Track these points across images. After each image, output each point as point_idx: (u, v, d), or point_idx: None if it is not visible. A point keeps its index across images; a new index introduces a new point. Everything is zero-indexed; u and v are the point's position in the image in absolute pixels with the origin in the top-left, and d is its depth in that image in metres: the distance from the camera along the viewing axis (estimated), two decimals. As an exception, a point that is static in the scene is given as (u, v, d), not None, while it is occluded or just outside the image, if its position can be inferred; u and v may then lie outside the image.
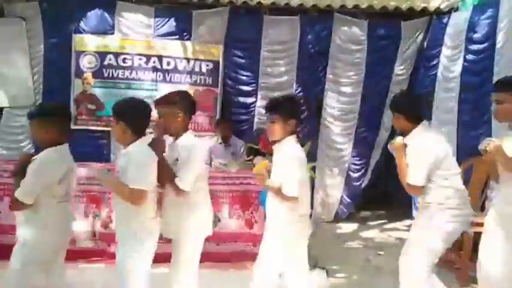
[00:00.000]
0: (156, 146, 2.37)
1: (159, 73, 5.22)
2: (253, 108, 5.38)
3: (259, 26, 5.22)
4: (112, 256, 3.65)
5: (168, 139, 2.54)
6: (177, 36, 5.21)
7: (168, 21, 5.17)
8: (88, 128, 5.14)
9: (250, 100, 5.38)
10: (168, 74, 5.23)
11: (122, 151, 2.39)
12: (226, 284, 3.37)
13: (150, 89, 5.16)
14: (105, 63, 5.10)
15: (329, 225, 5.25)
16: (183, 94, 2.61)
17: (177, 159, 2.42)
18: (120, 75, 5.14)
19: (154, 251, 2.39)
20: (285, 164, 2.51)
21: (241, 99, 5.39)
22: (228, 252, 3.76)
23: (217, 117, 5.29)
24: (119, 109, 2.32)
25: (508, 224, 2.32)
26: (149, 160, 2.26)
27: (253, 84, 5.34)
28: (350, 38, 5.29)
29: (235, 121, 5.30)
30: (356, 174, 5.45)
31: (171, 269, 2.52)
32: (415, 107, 2.65)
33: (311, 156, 4.32)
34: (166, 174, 2.38)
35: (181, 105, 2.46)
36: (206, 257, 3.61)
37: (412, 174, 2.49)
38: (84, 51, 5.07)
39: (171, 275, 2.50)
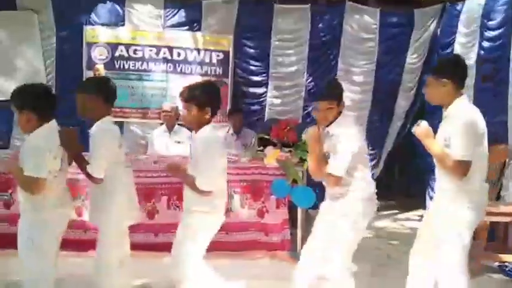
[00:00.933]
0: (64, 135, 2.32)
1: (169, 64, 5.22)
2: (264, 99, 5.36)
3: (270, 15, 5.19)
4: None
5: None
6: (187, 27, 5.21)
7: (178, 12, 5.17)
8: (100, 119, 5.18)
9: (261, 90, 5.37)
10: (178, 65, 5.24)
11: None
12: (237, 273, 3.38)
13: (160, 80, 5.18)
14: (116, 54, 5.13)
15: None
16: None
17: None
18: (131, 67, 5.16)
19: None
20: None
21: (252, 89, 5.38)
22: (239, 241, 3.77)
23: (228, 108, 5.28)
24: (21, 97, 2.23)
25: None
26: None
27: (264, 74, 5.32)
28: (362, 27, 5.23)
29: (246, 112, 5.28)
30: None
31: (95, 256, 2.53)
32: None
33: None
34: (78, 162, 2.40)
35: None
36: (217, 246, 3.68)
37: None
38: (95, 43, 5.09)
39: (95, 261, 2.52)
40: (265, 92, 5.35)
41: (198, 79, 5.22)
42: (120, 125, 5.18)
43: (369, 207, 2.48)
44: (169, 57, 5.19)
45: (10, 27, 4.97)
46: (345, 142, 2.36)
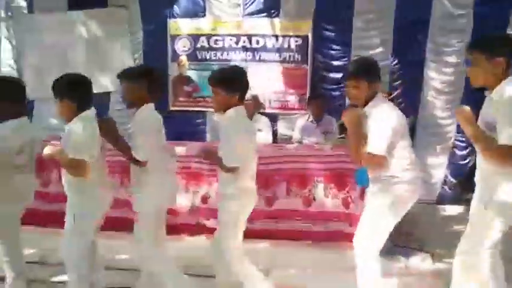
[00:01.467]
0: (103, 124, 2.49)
1: (248, 52, 5.23)
2: (345, 84, 5.15)
3: (351, -5, 4.96)
4: (211, 230, 3.84)
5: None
6: (265, 14, 5.16)
7: (255, -1, 5.15)
8: (185, 109, 5.38)
9: (342, 75, 5.16)
10: (257, 53, 5.23)
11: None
12: (320, 263, 3.32)
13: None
14: (198, 45, 5.25)
15: (431, 207, 4.89)
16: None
17: None
18: (212, 57, 5.26)
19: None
20: None
21: (333, 74, 5.19)
22: (323, 231, 3.69)
23: (308, 94, 5.17)
24: (60, 87, 2.39)
25: None
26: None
27: (345, 59, 5.10)
28: (454, 2, 4.78)
29: (327, 98, 5.13)
30: (462, 152, 4.98)
31: None
32: None
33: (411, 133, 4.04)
34: (121, 149, 2.54)
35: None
36: (301, 235, 3.67)
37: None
38: (178, 35, 5.26)
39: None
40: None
41: (277, 66, 5.21)
42: (203, 114, 5.38)
43: (410, 191, 2.36)
44: (249, 46, 5.20)
45: (102, 24, 5.32)
46: (380, 120, 2.29)
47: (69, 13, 5.41)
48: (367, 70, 2.42)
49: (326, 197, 3.69)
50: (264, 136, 4.75)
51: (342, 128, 4.64)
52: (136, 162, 2.50)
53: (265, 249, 3.53)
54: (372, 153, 2.27)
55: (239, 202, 2.50)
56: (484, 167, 2.15)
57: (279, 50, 5.19)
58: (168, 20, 5.26)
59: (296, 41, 5.16)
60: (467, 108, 2.14)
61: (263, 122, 4.87)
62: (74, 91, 2.39)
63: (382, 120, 2.29)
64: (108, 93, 5.42)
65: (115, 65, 5.32)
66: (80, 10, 5.36)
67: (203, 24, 5.23)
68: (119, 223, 3.37)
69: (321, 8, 5.05)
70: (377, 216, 2.39)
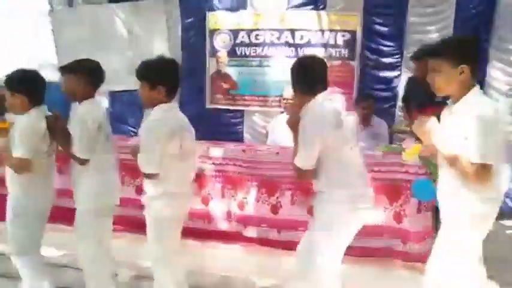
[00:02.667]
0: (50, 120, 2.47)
1: (291, 48, 4.91)
2: (397, 84, 4.74)
3: (406, -13, 4.53)
4: (247, 239, 3.59)
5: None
6: (311, 7, 4.83)
7: (302, -10, 4.81)
8: (222, 107, 5.14)
9: (393, 74, 4.75)
10: (300, 49, 4.89)
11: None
12: (369, 281, 2.99)
13: (282, 65, 4.90)
14: (238, 41, 5.00)
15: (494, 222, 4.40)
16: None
17: None
18: (252, 53, 4.99)
19: None
20: None
21: (383, 73, 4.78)
22: (371, 247, 3.33)
23: (354, 94, 4.79)
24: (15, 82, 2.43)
25: None
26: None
27: (397, 56, 4.69)
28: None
29: (376, 98, 4.73)
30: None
31: None
32: None
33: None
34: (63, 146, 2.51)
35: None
36: (347, 251, 3.33)
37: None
38: (217, 30, 5.03)
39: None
40: (399, 75, 4.71)
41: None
42: (241, 113, 5.12)
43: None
44: (292, 41, 4.89)
45: (140, 17, 5.19)
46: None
47: (109, 6, 5.31)
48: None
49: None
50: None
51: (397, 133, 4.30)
52: (76, 158, 2.45)
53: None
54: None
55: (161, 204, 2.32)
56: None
57: (324, 46, 4.84)
58: (207, 13, 5.03)
59: (343, 36, 4.79)
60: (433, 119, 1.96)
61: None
62: (29, 86, 2.45)
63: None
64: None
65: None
66: (119, 3, 5.23)
67: (244, 18, 4.97)
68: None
69: (371, 0, 4.66)
70: None
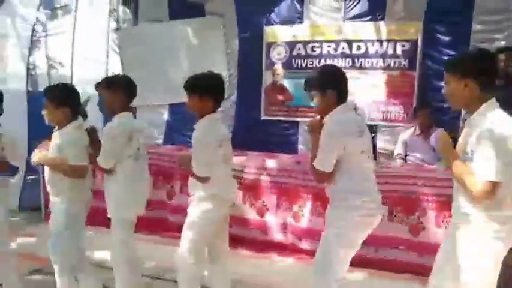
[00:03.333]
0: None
1: (348, 59, 4.86)
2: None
3: (471, -7, 4.33)
4: (301, 251, 3.57)
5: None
6: (369, 17, 4.75)
7: (359, 1, 4.75)
8: (277, 118, 5.18)
9: (457, 84, 4.53)
10: (358, 59, 4.83)
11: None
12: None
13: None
14: (294, 53, 5.03)
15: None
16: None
17: None
18: (308, 65, 4.99)
19: None
20: None
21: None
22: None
23: (414, 104, 4.63)
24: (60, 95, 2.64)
25: None
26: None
27: (461, 65, 4.47)
28: None
29: (437, 109, 4.54)
30: None
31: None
32: None
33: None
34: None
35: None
36: (402, 267, 3.20)
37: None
38: (274, 43, 5.09)
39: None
40: (462, 85, 4.49)
41: (380, 73, 4.75)
42: (296, 125, 5.12)
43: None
44: (348, 52, 4.83)
45: (199, 32, 5.38)
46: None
47: (170, 23, 5.56)
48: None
49: (438, 227, 3.16)
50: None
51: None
52: (104, 169, 2.67)
53: (361, 279, 3.16)
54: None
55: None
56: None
57: (382, 56, 4.73)
58: (264, 27, 5.11)
59: (403, 46, 4.65)
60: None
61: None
62: (72, 99, 2.65)
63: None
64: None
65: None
66: (179, 20, 5.47)
67: (300, 31, 4.99)
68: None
69: (434, 7, 4.50)
70: None
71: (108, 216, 2.74)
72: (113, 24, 6.09)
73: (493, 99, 1.90)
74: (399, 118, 4.74)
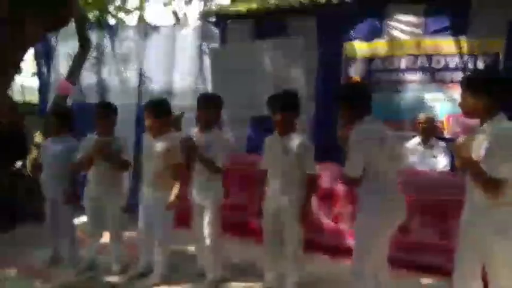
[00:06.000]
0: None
1: (427, 73, 4.95)
2: None
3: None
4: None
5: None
6: (449, 32, 4.81)
7: (440, 17, 4.83)
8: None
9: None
10: (437, 73, 4.89)
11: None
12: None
13: (417, 90, 4.98)
14: (373, 67, 5.23)
15: None
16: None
17: None
18: (386, 79, 5.16)
19: None
20: None
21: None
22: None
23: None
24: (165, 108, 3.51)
25: None
26: None
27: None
28: None
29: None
30: None
31: None
32: None
33: None
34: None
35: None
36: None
37: None
38: (353, 58, 5.34)
39: None
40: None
41: (457, 87, 4.76)
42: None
43: None
44: (427, 66, 4.92)
45: (281, 51, 5.76)
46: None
47: (255, 42, 6.05)
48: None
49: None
50: (442, 163, 4.41)
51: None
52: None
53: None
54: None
55: None
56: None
57: (463, 70, 4.75)
58: (344, 43, 5.38)
59: (484, 60, 4.65)
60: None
61: (440, 147, 4.52)
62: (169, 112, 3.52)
63: None
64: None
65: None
66: (263, 40, 5.94)
67: (379, 46, 5.18)
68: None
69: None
70: None
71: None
72: (204, 44, 6.75)
73: (502, 114, 2.19)
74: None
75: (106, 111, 3.62)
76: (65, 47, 6.91)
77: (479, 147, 2.13)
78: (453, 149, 2.40)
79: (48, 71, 6.92)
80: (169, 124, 3.49)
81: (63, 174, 3.70)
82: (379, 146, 2.52)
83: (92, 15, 7.00)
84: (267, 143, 3.24)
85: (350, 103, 2.65)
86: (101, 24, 7.09)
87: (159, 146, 3.37)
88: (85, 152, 3.56)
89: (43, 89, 6.93)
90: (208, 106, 3.33)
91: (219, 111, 3.41)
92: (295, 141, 3.01)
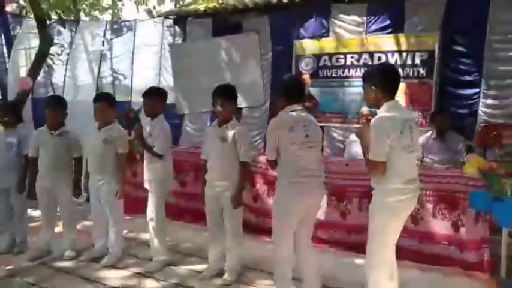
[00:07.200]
0: None
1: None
2: (475, 100, 4.79)
3: (485, 5, 4.62)
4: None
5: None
6: (389, 30, 5.17)
7: (380, 16, 5.19)
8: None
9: (472, 91, 4.82)
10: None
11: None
12: (424, 285, 3.22)
13: (360, 85, 5.29)
14: (321, 64, 5.54)
15: None
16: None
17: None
18: (333, 75, 5.48)
19: None
20: None
21: (461, 90, 4.88)
22: (429, 252, 3.56)
23: (433, 109, 4.96)
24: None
25: None
26: None
27: (476, 74, 4.76)
28: None
29: (455, 114, 4.82)
30: None
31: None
32: None
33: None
34: None
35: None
36: (406, 254, 3.53)
37: None
38: (302, 55, 5.64)
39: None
40: (478, 92, 4.77)
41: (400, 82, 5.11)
42: (322, 129, 5.59)
43: None
44: (370, 62, 5.26)
45: (237, 47, 6.05)
46: None
47: (213, 39, 6.29)
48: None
49: (434, 218, 3.55)
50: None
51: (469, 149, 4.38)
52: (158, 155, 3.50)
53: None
54: None
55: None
56: None
57: (402, 66, 5.10)
58: (294, 41, 5.68)
59: (421, 56, 5.02)
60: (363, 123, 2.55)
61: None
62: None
63: None
64: (240, 109, 6.08)
65: (246, 84, 5.98)
66: (220, 37, 6.18)
67: (326, 44, 5.50)
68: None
69: (451, 19, 4.83)
70: None
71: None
72: (166, 41, 6.95)
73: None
74: (420, 123, 5.08)
75: (55, 104, 3.79)
76: (25, 44, 7.03)
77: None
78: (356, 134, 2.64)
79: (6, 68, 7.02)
80: (115, 116, 3.69)
81: (14, 164, 3.88)
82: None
83: (53, 13, 7.08)
84: (207, 132, 3.44)
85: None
86: (63, 21, 7.19)
87: (102, 136, 3.60)
88: (35, 143, 3.74)
89: (2, 84, 7.01)
90: (152, 97, 3.56)
91: (162, 103, 3.61)
92: (232, 130, 3.24)
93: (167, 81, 6.88)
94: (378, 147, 2.39)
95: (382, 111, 2.46)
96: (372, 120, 2.42)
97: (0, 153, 3.89)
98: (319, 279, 2.91)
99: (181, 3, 12.79)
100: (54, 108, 3.74)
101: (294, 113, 2.81)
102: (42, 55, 6.17)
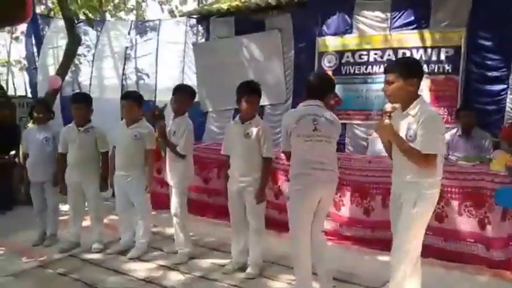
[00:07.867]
0: None
1: (394, 66, 5.22)
2: (503, 96, 4.68)
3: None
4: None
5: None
6: (414, 26, 5.09)
7: (405, 12, 5.12)
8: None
9: (499, 87, 4.71)
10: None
11: None
12: (453, 284, 3.18)
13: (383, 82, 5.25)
14: (343, 61, 5.52)
15: None
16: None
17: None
18: (356, 71, 5.45)
19: None
20: None
21: (488, 86, 4.78)
22: (453, 250, 3.51)
23: (458, 106, 4.87)
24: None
25: None
26: None
27: (504, 69, 4.65)
28: None
29: (481, 111, 4.72)
30: None
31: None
32: None
33: None
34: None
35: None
36: (431, 252, 3.49)
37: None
38: (325, 52, 5.63)
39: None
40: (505, 89, 4.66)
41: (425, 78, 5.02)
42: (344, 127, 5.57)
43: None
44: (394, 59, 5.19)
45: (260, 45, 6.09)
46: None
47: (235, 38, 6.34)
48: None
49: (460, 215, 3.49)
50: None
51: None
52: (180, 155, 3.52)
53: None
54: None
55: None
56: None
57: (427, 62, 5.02)
58: (316, 38, 5.67)
59: (447, 52, 4.93)
60: (387, 122, 2.47)
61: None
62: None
63: None
64: (262, 107, 6.12)
65: (269, 82, 6.00)
66: (243, 35, 6.23)
67: (349, 41, 5.47)
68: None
69: (478, 14, 4.74)
70: None
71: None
72: (190, 40, 7.07)
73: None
74: (444, 119, 4.97)
75: (80, 101, 3.91)
76: (53, 43, 7.26)
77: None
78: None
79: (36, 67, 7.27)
80: (142, 113, 3.78)
81: (50, 158, 4.01)
82: None
83: (81, 13, 7.29)
84: (229, 129, 3.48)
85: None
86: (91, 21, 7.38)
87: (131, 133, 3.69)
88: (63, 140, 3.87)
89: (32, 83, 7.26)
90: (181, 94, 3.61)
91: (190, 100, 3.67)
92: (256, 127, 3.27)
93: (191, 79, 6.99)
94: (436, 140, 2.34)
95: (427, 106, 2.47)
96: (426, 114, 2.33)
97: (38, 148, 4.04)
98: (329, 273, 2.93)
99: (204, 2, 13.04)
100: (79, 105, 3.85)
101: (306, 107, 2.85)
102: (70, 54, 6.36)
